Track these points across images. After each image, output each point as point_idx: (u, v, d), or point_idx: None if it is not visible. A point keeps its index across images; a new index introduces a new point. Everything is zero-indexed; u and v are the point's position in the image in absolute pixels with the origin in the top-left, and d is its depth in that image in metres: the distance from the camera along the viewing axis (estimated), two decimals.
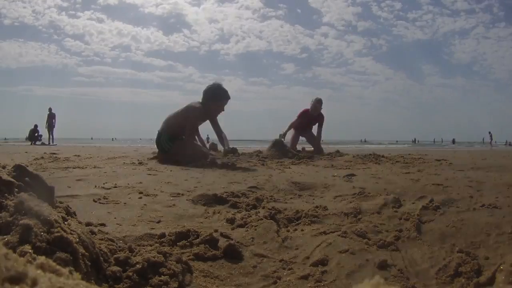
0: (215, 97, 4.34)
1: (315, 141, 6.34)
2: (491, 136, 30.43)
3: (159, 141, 4.26)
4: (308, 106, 6.39)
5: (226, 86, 4.43)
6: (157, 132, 4.35)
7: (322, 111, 6.44)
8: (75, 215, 1.25)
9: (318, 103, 6.30)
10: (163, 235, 1.13)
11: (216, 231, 1.21)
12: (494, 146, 22.62)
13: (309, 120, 6.39)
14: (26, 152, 6.17)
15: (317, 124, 6.46)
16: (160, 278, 0.80)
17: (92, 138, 57.80)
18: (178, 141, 4.18)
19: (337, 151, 6.01)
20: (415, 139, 56.11)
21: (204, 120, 4.50)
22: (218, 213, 1.57)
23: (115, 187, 2.17)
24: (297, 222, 1.44)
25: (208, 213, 1.57)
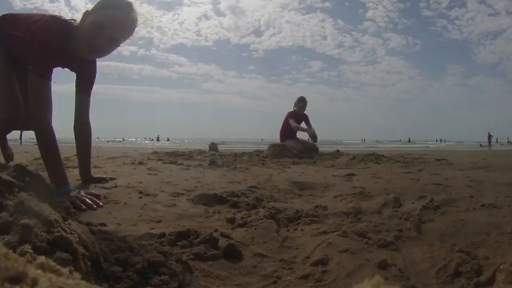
0: None
1: (310, 129, 6.14)
2: (489, 137, 28.62)
3: None
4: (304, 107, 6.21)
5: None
6: None
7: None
8: (75, 215, 1.25)
9: (303, 102, 6.21)
10: (163, 235, 1.13)
11: (216, 230, 1.21)
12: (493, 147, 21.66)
13: (297, 120, 6.27)
14: (26, 152, 6.18)
15: (303, 122, 6.26)
16: (160, 277, 0.81)
17: (123, 139, 51.95)
18: None
19: (337, 151, 6.01)
20: (409, 139, 56.98)
21: None
22: (218, 212, 1.57)
23: (115, 186, 2.17)
24: (297, 222, 1.44)
25: (208, 212, 1.57)
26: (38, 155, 5.09)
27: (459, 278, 0.91)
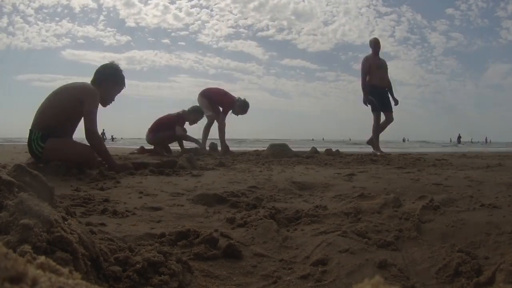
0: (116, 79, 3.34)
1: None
2: (459, 138, 37.73)
3: (30, 142, 2.98)
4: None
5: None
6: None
7: None
8: (75, 215, 1.25)
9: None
10: (163, 235, 1.13)
11: (216, 230, 1.21)
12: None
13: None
14: (26, 152, 6.17)
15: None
16: (160, 277, 0.80)
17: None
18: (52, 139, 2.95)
19: (337, 151, 6.02)
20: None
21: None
22: (218, 212, 1.57)
23: (115, 186, 2.17)
24: (297, 222, 1.44)
25: (208, 212, 1.57)
26: None
27: (459, 278, 0.91)
